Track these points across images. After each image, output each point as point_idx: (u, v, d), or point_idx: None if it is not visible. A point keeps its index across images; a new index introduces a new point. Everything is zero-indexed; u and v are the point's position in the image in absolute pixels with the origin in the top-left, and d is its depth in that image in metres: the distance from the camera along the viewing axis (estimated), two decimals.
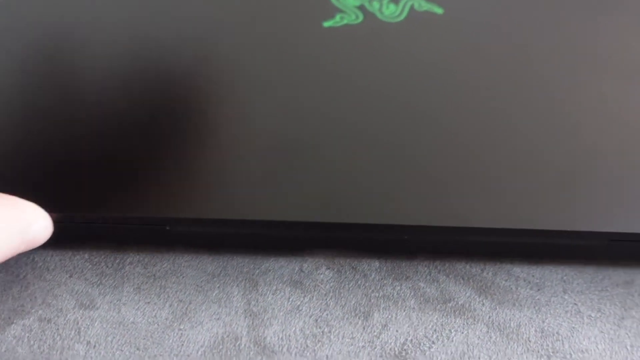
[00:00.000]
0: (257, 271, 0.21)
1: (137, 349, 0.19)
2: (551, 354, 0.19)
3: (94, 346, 0.19)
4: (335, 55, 0.24)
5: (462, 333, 0.19)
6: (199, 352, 0.19)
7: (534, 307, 0.20)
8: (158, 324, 0.19)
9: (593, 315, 0.20)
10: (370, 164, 0.21)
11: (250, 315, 0.20)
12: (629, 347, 0.19)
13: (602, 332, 0.19)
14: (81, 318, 0.20)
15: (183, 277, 0.21)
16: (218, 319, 0.20)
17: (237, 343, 0.19)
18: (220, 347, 0.19)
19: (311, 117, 0.22)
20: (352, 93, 0.23)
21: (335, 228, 0.20)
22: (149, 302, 0.20)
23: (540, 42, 0.24)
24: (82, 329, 0.19)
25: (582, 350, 0.19)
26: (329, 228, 0.20)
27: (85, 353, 0.19)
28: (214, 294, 0.20)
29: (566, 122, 0.22)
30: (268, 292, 0.20)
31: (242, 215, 0.20)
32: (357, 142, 0.22)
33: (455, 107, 0.23)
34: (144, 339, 0.19)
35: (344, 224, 0.20)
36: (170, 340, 0.19)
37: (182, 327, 0.19)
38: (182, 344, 0.19)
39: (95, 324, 0.20)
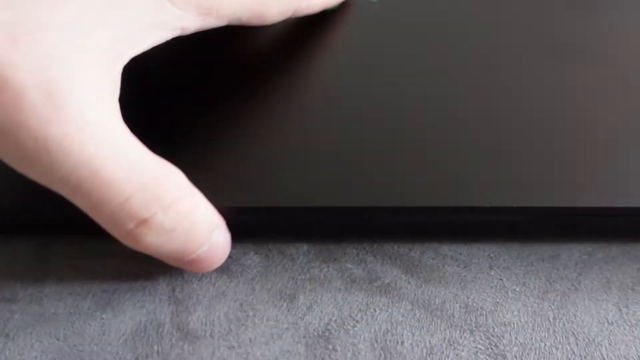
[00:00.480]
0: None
1: (57, 339, 0.19)
2: (474, 328, 0.19)
3: (13, 339, 0.19)
4: None
5: (387, 311, 0.19)
6: (120, 340, 0.19)
7: (460, 283, 0.20)
8: (79, 314, 0.19)
9: (517, 289, 0.20)
10: (291, 147, 0.21)
11: (174, 302, 0.19)
12: (551, 319, 0.19)
13: (525, 305, 0.19)
14: (1, 312, 0.19)
15: (108, 267, 0.20)
16: (142, 307, 0.19)
17: (160, 330, 0.19)
18: (143, 334, 0.19)
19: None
20: None
21: (261, 212, 0.20)
22: (71, 293, 0.20)
23: None
24: (1, 322, 0.19)
25: (504, 324, 0.19)
26: (255, 212, 0.20)
27: (3, 346, 0.19)
28: (138, 283, 0.20)
29: (490, 99, 0.23)
30: (194, 279, 0.20)
31: None
32: (279, 123, 0.22)
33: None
34: (64, 329, 0.19)
35: (270, 208, 0.20)
36: (91, 330, 0.19)
37: (104, 316, 0.19)
38: (104, 333, 0.19)
39: (15, 317, 0.19)
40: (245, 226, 0.21)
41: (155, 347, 0.18)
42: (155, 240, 0.17)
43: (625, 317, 0.19)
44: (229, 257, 0.21)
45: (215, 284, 0.20)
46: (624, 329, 0.19)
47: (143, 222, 0.17)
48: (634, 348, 0.18)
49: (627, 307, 0.19)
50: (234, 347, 0.18)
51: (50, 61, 0.16)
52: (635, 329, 0.19)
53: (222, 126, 0.22)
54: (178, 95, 0.23)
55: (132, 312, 0.19)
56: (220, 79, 0.24)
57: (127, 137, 0.17)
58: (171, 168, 0.18)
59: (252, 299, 0.19)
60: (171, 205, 0.17)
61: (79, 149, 0.16)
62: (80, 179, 0.16)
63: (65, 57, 0.16)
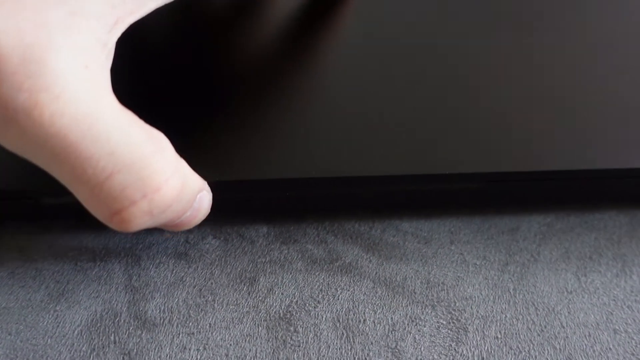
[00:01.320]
0: (141, 246, 0.20)
1: (9, 334, 0.18)
2: (435, 303, 0.19)
3: None
4: None
5: (348, 291, 0.19)
6: (75, 332, 0.18)
7: (421, 260, 0.20)
8: (32, 307, 0.19)
9: (478, 263, 0.20)
10: (247, 119, 0.21)
11: (131, 290, 0.19)
12: (511, 291, 0.19)
13: (486, 278, 0.19)
14: None
15: (61, 257, 0.20)
16: (97, 297, 0.19)
17: (116, 319, 0.18)
18: (98, 324, 0.18)
19: None
20: None
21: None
22: (23, 286, 0.19)
23: None
24: None
25: (465, 298, 0.19)
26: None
27: None
28: (93, 272, 0.19)
29: (440, 68, 0.23)
30: (151, 266, 0.19)
31: None
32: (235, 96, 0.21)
33: None
34: (17, 323, 0.18)
35: (224, 182, 0.20)
36: (45, 322, 0.18)
37: (57, 308, 0.19)
38: (58, 325, 0.18)
39: None
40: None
41: (112, 337, 0.18)
42: (141, 223, 0.16)
43: (584, 285, 0.19)
44: (187, 242, 0.20)
45: (173, 270, 0.19)
46: (583, 297, 0.19)
47: (128, 206, 0.15)
48: (592, 315, 0.19)
49: (585, 275, 0.20)
50: (193, 333, 0.18)
51: (32, 25, 0.14)
52: (594, 296, 0.19)
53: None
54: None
55: (87, 303, 0.19)
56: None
57: (114, 110, 0.15)
58: (162, 144, 0.16)
59: (212, 283, 0.19)
60: (159, 189, 0.15)
61: (50, 120, 0.14)
62: (54, 153, 0.14)
63: (49, 21, 0.14)
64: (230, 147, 0.20)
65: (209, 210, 0.18)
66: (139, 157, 0.15)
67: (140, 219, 0.16)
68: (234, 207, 0.21)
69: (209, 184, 0.19)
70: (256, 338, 0.18)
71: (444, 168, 0.20)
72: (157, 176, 0.15)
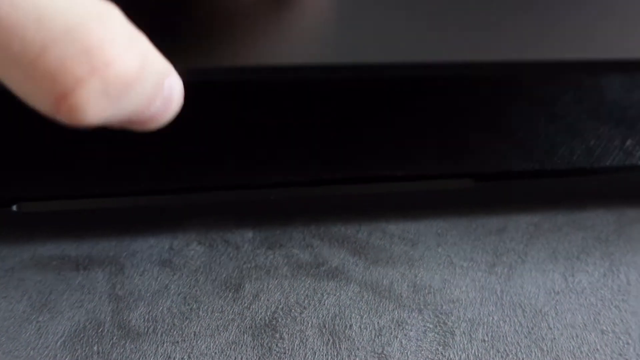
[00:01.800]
0: (125, 254, 0.20)
1: None
2: (422, 307, 0.19)
3: None
4: None
5: (335, 295, 0.19)
6: (58, 343, 0.18)
7: (408, 263, 0.20)
8: (14, 318, 0.18)
9: (465, 265, 0.20)
10: None
11: (115, 299, 0.19)
12: (499, 293, 0.19)
13: (473, 280, 0.19)
14: None
15: (44, 267, 0.19)
16: (80, 306, 0.19)
17: (100, 329, 0.18)
18: (82, 335, 0.18)
19: None
20: None
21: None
22: (5, 297, 0.19)
23: None
24: None
25: (452, 301, 0.19)
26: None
27: None
28: (76, 282, 0.19)
29: None
30: (135, 274, 0.19)
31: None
32: None
33: None
34: None
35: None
36: (27, 334, 0.18)
37: (40, 318, 0.18)
38: (40, 336, 0.18)
39: None
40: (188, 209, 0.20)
41: (95, 348, 0.18)
42: (97, 111, 0.13)
43: (572, 285, 0.19)
44: (171, 249, 0.20)
45: (157, 277, 0.19)
46: (570, 297, 0.19)
47: (74, 86, 0.12)
48: (579, 316, 0.19)
49: (572, 275, 0.19)
50: (178, 342, 0.18)
51: None
52: (581, 297, 0.19)
53: None
54: None
55: (70, 313, 0.18)
56: None
57: None
58: (109, 10, 0.13)
59: (196, 291, 0.19)
60: (112, 62, 0.12)
61: None
62: None
63: None
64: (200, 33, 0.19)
65: (181, 101, 0.15)
66: (78, 22, 0.12)
67: (94, 103, 0.12)
68: (219, 211, 0.21)
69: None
70: (241, 346, 0.18)
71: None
72: (106, 46, 0.12)
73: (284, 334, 0.18)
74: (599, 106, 0.23)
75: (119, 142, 0.21)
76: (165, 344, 0.18)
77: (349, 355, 0.18)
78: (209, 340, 0.18)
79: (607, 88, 0.24)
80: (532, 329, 0.18)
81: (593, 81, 0.24)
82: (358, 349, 0.18)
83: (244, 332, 0.18)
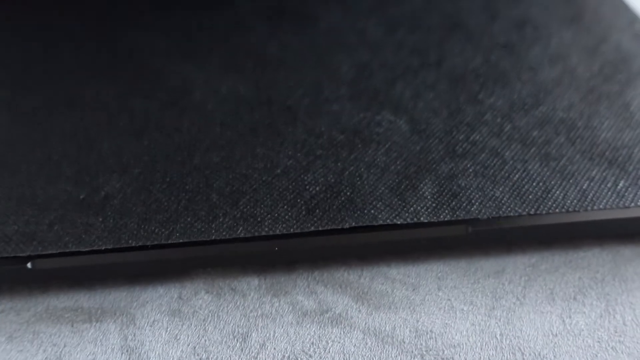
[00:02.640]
0: (135, 304, 0.20)
1: None
2: (424, 352, 0.19)
3: None
4: None
5: (339, 343, 0.19)
6: None
7: (409, 307, 0.20)
8: None
9: (465, 308, 0.20)
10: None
11: (127, 351, 0.19)
12: (498, 337, 0.20)
13: (473, 324, 0.20)
14: None
15: (58, 319, 0.20)
16: (93, 359, 0.19)
17: None
18: None
19: None
20: None
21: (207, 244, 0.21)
22: (21, 350, 0.19)
23: None
24: None
25: (453, 345, 0.19)
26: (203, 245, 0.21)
27: None
28: (89, 334, 0.20)
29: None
30: (146, 325, 0.20)
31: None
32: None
33: None
34: None
35: (216, 241, 0.20)
36: None
37: None
38: None
39: None
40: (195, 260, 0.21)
41: None
42: None
43: (569, 327, 0.20)
44: (180, 298, 0.21)
45: (167, 328, 0.20)
46: (568, 339, 0.19)
47: None
48: (577, 358, 0.19)
49: (570, 317, 0.20)
50: None
51: None
52: (579, 338, 0.19)
53: None
54: None
55: None
56: None
57: None
58: None
59: (205, 340, 0.20)
60: None
61: None
62: None
63: None
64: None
65: None
66: None
67: None
68: (225, 260, 0.21)
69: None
70: None
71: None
72: None
73: None
74: (592, 147, 0.24)
75: (128, 201, 0.22)
76: None
77: None
78: None
79: (599, 128, 0.25)
80: None
81: (585, 122, 0.25)
82: None
83: None
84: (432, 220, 0.21)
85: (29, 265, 0.20)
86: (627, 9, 0.32)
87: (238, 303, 0.20)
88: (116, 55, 0.29)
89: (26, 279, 0.20)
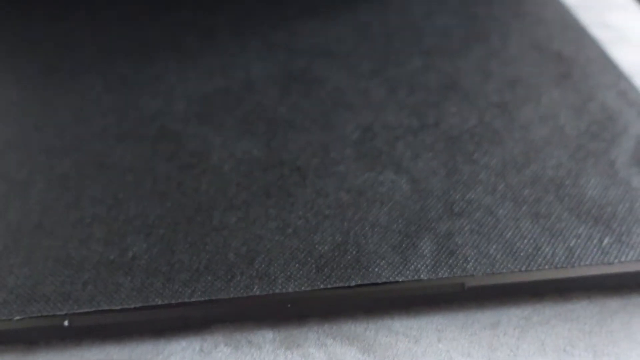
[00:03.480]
0: (160, 357, 0.22)
1: None
2: None
3: None
4: None
5: None
6: None
7: (412, 359, 0.22)
8: None
9: None
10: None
11: None
12: None
13: None
14: None
15: None
16: None
17: None
18: None
19: None
20: None
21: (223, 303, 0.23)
22: None
23: None
24: None
25: None
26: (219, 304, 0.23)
27: None
28: None
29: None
30: None
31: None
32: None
33: None
34: None
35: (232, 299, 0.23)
36: None
37: None
38: None
39: None
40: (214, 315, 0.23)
41: None
42: None
43: None
44: (201, 350, 0.22)
45: None
46: None
47: None
48: None
49: None
50: None
51: None
52: None
53: None
54: None
55: None
56: None
57: None
58: None
59: None
60: None
61: None
62: None
63: None
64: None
65: None
66: None
67: None
68: (242, 315, 0.23)
69: None
70: None
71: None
72: None
73: None
74: (579, 205, 0.26)
75: (154, 261, 0.24)
76: None
77: None
78: None
79: (585, 186, 0.27)
80: None
81: (573, 181, 0.27)
82: None
83: None
84: (431, 278, 0.23)
85: (65, 323, 0.22)
86: (613, 66, 0.34)
87: (255, 355, 0.22)
88: (139, 118, 0.31)
89: (62, 335, 0.23)
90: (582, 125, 0.30)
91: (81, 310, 0.22)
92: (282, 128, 0.30)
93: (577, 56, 0.35)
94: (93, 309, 0.22)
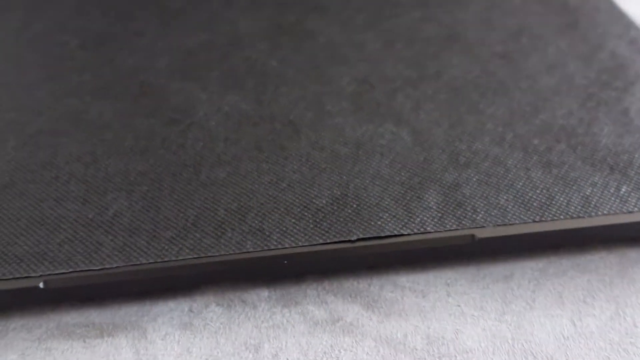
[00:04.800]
0: (146, 318, 0.20)
1: None
2: (437, 359, 0.19)
3: None
4: None
5: (351, 352, 0.19)
6: None
7: (420, 314, 0.20)
8: None
9: (475, 314, 0.20)
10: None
11: None
12: (510, 341, 0.20)
13: (484, 329, 0.20)
14: None
15: (69, 335, 0.20)
16: None
17: None
18: None
19: None
20: None
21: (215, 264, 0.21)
22: None
23: None
24: None
25: (466, 351, 0.19)
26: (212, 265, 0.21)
27: None
28: (101, 349, 0.20)
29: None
30: (157, 339, 0.20)
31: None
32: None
33: None
34: None
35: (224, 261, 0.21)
36: None
37: None
38: None
39: None
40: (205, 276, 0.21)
41: None
42: None
43: (580, 330, 0.20)
44: (191, 311, 0.21)
45: (179, 341, 0.20)
46: (579, 342, 0.20)
47: None
48: None
49: (580, 320, 0.20)
50: None
51: None
52: (590, 341, 0.20)
53: None
54: None
55: None
56: None
57: None
58: None
59: (218, 352, 0.20)
60: None
61: None
62: None
63: None
64: None
65: None
66: None
67: None
68: (235, 273, 0.21)
69: None
70: None
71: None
72: None
73: None
74: (593, 153, 0.24)
75: (137, 219, 0.22)
76: None
77: None
78: None
79: (599, 134, 0.25)
80: None
81: (585, 129, 0.25)
82: None
83: None
84: (438, 230, 0.21)
85: (40, 284, 0.20)
86: (622, 15, 0.32)
87: (249, 315, 0.20)
88: (118, 74, 0.29)
89: (37, 298, 0.21)
90: (592, 74, 0.28)
91: (57, 272, 0.20)
92: (273, 82, 0.28)
93: (584, 5, 0.33)
94: (70, 270, 0.20)
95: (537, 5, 0.33)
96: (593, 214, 0.22)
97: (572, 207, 0.22)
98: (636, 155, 0.24)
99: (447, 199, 0.22)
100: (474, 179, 0.23)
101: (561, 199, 0.22)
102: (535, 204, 0.22)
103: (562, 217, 0.22)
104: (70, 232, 0.22)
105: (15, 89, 0.28)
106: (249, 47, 0.31)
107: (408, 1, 0.34)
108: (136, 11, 0.34)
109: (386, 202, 0.22)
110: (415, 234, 0.21)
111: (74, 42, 0.31)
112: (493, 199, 0.22)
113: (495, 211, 0.22)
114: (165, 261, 0.20)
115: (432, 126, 0.26)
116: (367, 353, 0.19)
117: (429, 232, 0.21)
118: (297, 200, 0.23)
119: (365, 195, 0.23)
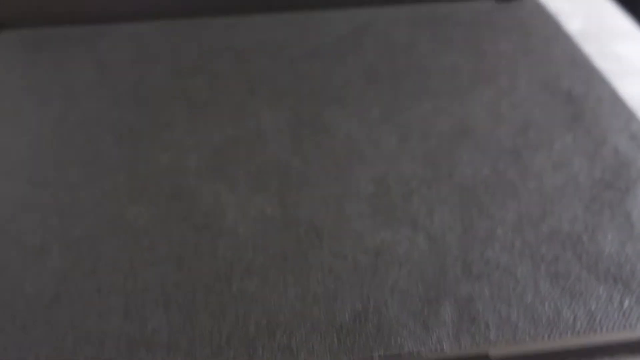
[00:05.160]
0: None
1: None
2: None
3: None
4: None
5: None
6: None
7: None
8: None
9: None
10: None
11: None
12: None
13: None
14: None
15: None
16: None
17: None
18: None
19: None
20: None
21: None
22: None
23: None
24: None
25: None
26: None
27: None
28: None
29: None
30: None
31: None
32: None
33: None
34: None
35: None
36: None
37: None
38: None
39: None
40: None
41: None
42: None
43: None
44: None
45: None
46: None
47: None
48: None
49: None
50: None
51: None
52: None
53: None
54: None
55: None
56: None
57: None
58: None
59: None
60: None
61: None
62: None
63: None
64: None
65: None
66: None
67: None
68: None
69: None
70: None
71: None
72: None
73: None
74: (597, 263, 0.26)
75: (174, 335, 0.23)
76: None
77: None
78: None
79: (602, 241, 0.27)
80: None
81: (590, 236, 0.27)
82: None
83: None
84: (454, 348, 0.23)
85: None
86: (623, 107, 0.34)
87: None
88: (151, 175, 0.31)
89: None
90: (596, 172, 0.30)
91: None
92: (295, 183, 0.30)
93: (587, 95, 0.35)
94: None
95: (543, 94, 0.35)
96: (598, 329, 0.23)
97: (579, 323, 0.24)
98: (638, 266, 0.26)
99: (461, 313, 0.24)
100: (487, 293, 0.25)
101: (568, 313, 0.24)
102: (543, 319, 0.24)
103: (569, 333, 0.23)
104: (114, 350, 0.23)
105: (57, 190, 0.30)
106: (272, 142, 0.33)
107: (419, 91, 0.36)
108: (165, 103, 0.36)
109: (404, 317, 0.24)
110: (433, 352, 0.23)
111: (109, 138, 0.33)
112: (504, 313, 0.24)
113: (506, 327, 0.24)
114: None
115: (446, 232, 0.28)
116: None
117: (446, 352, 0.23)
118: (322, 315, 0.24)
119: (384, 309, 0.24)
